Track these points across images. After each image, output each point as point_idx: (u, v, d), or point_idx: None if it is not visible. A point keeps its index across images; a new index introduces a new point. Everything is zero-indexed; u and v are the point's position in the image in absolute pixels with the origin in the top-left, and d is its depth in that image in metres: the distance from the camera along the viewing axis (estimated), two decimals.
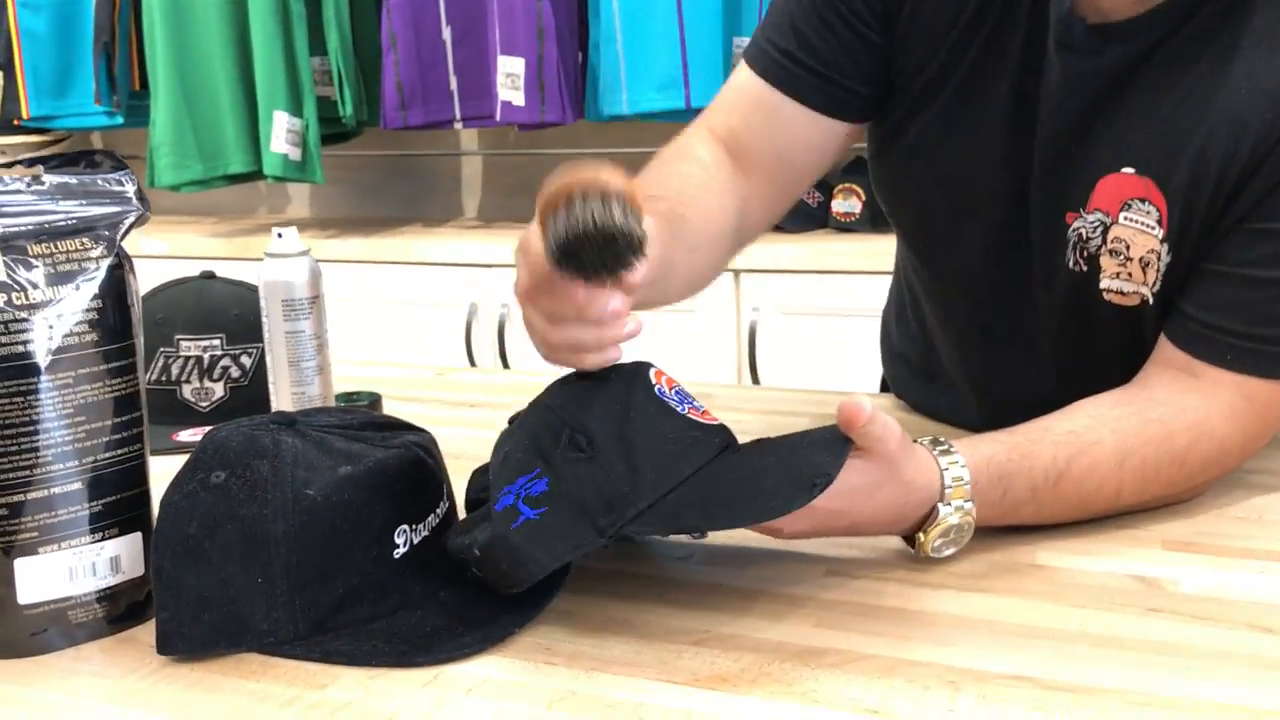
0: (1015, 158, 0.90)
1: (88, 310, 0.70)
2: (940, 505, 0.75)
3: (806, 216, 2.39)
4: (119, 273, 0.72)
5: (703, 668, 0.65)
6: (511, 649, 0.68)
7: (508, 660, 0.67)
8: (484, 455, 1.01)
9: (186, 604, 0.68)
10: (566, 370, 0.75)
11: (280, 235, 0.93)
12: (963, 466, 0.76)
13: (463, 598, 0.73)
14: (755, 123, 0.97)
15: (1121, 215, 0.85)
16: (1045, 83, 0.86)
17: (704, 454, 0.72)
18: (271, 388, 0.96)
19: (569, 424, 0.71)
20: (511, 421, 0.78)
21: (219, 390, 1.14)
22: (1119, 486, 0.81)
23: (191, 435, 1.10)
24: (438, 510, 0.74)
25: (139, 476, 0.73)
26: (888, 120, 0.96)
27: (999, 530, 0.81)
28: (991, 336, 0.99)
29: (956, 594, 0.73)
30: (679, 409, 0.74)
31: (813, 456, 0.71)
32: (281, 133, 2.41)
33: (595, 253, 0.67)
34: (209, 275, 1.21)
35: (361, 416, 0.78)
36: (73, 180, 0.71)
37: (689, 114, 2.22)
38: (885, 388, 1.24)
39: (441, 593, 0.73)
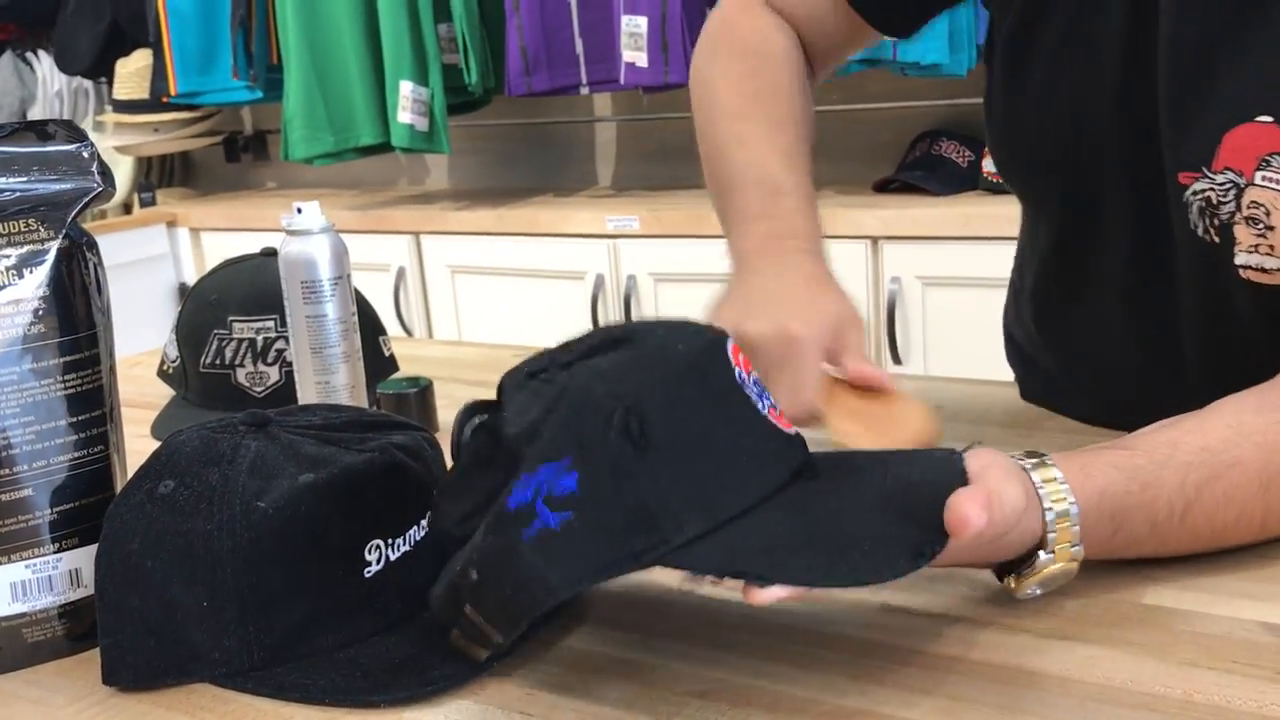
0: (1131, 101, 0.74)
1: (35, 300, 0.63)
2: (1041, 552, 0.61)
3: (954, 177, 2.21)
4: (72, 256, 0.65)
5: None
6: (486, 691, 0.59)
7: (479, 707, 0.58)
8: None
9: (130, 630, 0.60)
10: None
11: (300, 210, 0.85)
12: (1071, 503, 0.60)
13: None
14: (816, 14, 0.93)
15: (1258, 174, 0.69)
16: (1163, 10, 0.71)
17: (778, 476, 0.58)
18: (296, 377, 0.89)
19: (623, 401, 0.54)
20: (503, 389, 0.59)
21: (274, 374, 1.07)
22: (1264, 515, 0.65)
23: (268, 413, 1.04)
24: (423, 522, 0.65)
25: (102, 482, 0.66)
26: (994, 55, 0.84)
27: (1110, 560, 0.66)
28: (1130, 306, 0.84)
29: (1035, 642, 0.60)
30: (760, 407, 0.59)
31: (919, 509, 0.56)
32: (407, 103, 2.37)
33: None
34: (270, 253, 1.15)
35: (350, 415, 0.69)
36: (19, 151, 0.64)
37: None
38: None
39: (425, 614, 0.64)
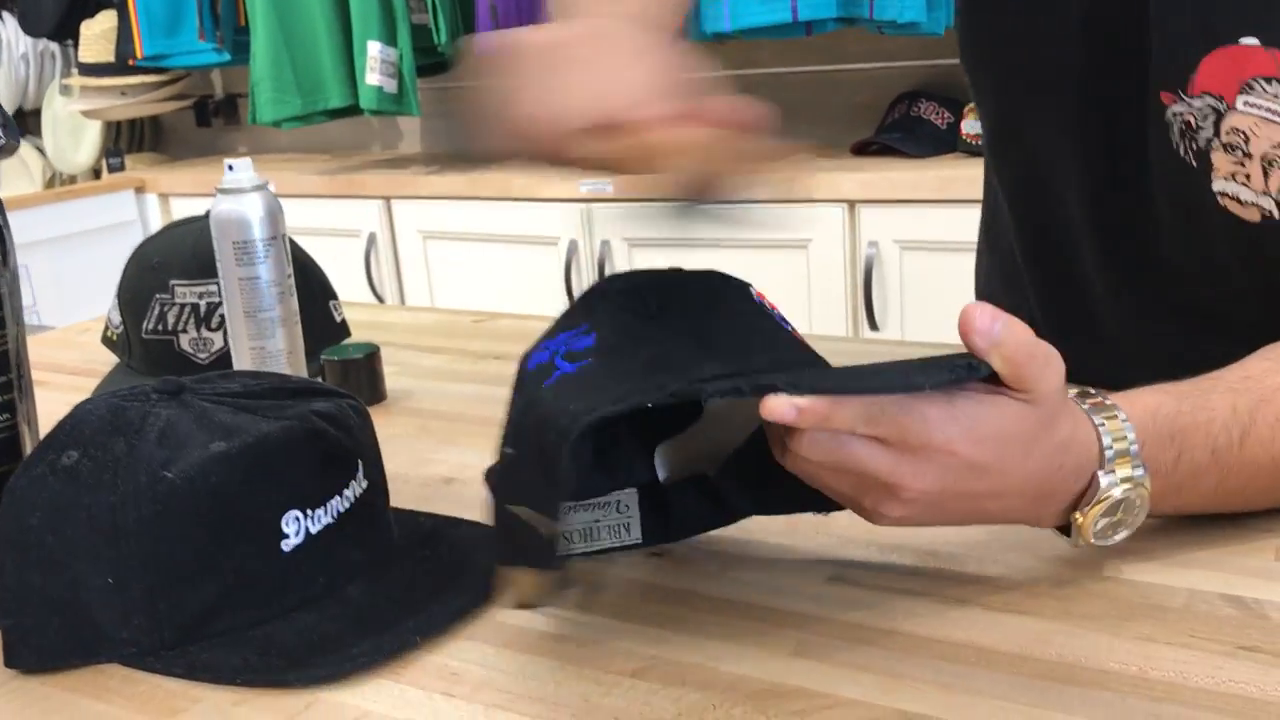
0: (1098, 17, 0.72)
1: None
2: (1100, 474, 0.56)
3: (932, 138, 2.17)
4: None
5: (630, 709, 0.51)
6: (410, 669, 0.56)
7: (398, 687, 0.54)
8: (483, 419, 0.90)
9: (32, 609, 0.57)
10: None
11: (231, 167, 0.81)
12: (1125, 422, 0.56)
13: (375, 595, 0.61)
14: None
15: (1240, 99, 0.65)
16: None
17: (807, 358, 0.57)
18: (230, 342, 0.85)
19: (638, 286, 0.57)
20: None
21: (218, 340, 1.04)
22: None
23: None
24: (345, 492, 0.62)
25: (9, 453, 0.63)
26: None
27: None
28: (1110, 260, 0.81)
29: (987, 616, 0.57)
30: (785, 327, 0.59)
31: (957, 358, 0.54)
32: (375, 64, 2.32)
33: None
34: None
35: (272, 382, 0.65)
36: None
37: (797, 28, 2.03)
38: None
39: (349, 588, 0.61)
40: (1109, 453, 0.56)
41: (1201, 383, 0.61)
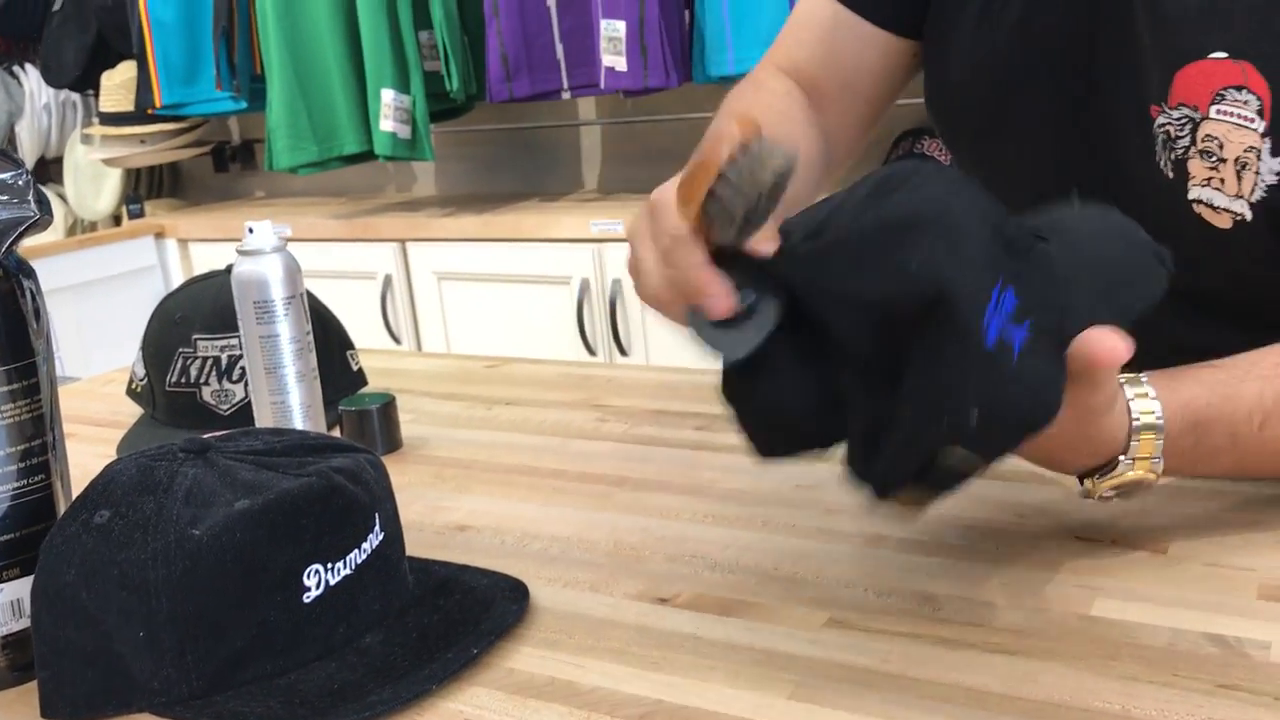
0: (1075, 43, 0.78)
1: None
2: (1122, 458, 0.63)
3: None
4: (9, 285, 0.65)
5: None
6: (427, 714, 0.58)
7: None
8: (495, 465, 0.92)
9: (68, 661, 0.60)
10: None
11: (252, 230, 0.84)
12: (1158, 417, 0.63)
13: (391, 644, 0.63)
14: (818, 52, 0.95)
15: (1213, 108, 0.71)
16: None
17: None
18: (252, 397, 0.88)
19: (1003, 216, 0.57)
20: None
21: (239, 392, 1.07)
22: None
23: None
24: (363, 545, 0.65)
25: (44, 511, 0.66)
26: (931, 24, 0.88)
27: (1054, 566, 0.66)
28: None
29: (979, 657, 0.59)
30: None
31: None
32: (389, 110, 2.37)
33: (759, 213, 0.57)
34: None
35: (293, 439, 0.68)
36: None
37: None
38: None
39: (367, 638, 0.64)
40: (1135, 441, 0.63)
41: (1237, 369, 0.67)
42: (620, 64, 2.14)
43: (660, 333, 2.25)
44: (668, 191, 0.61)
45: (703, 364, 0.64)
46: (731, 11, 2.05)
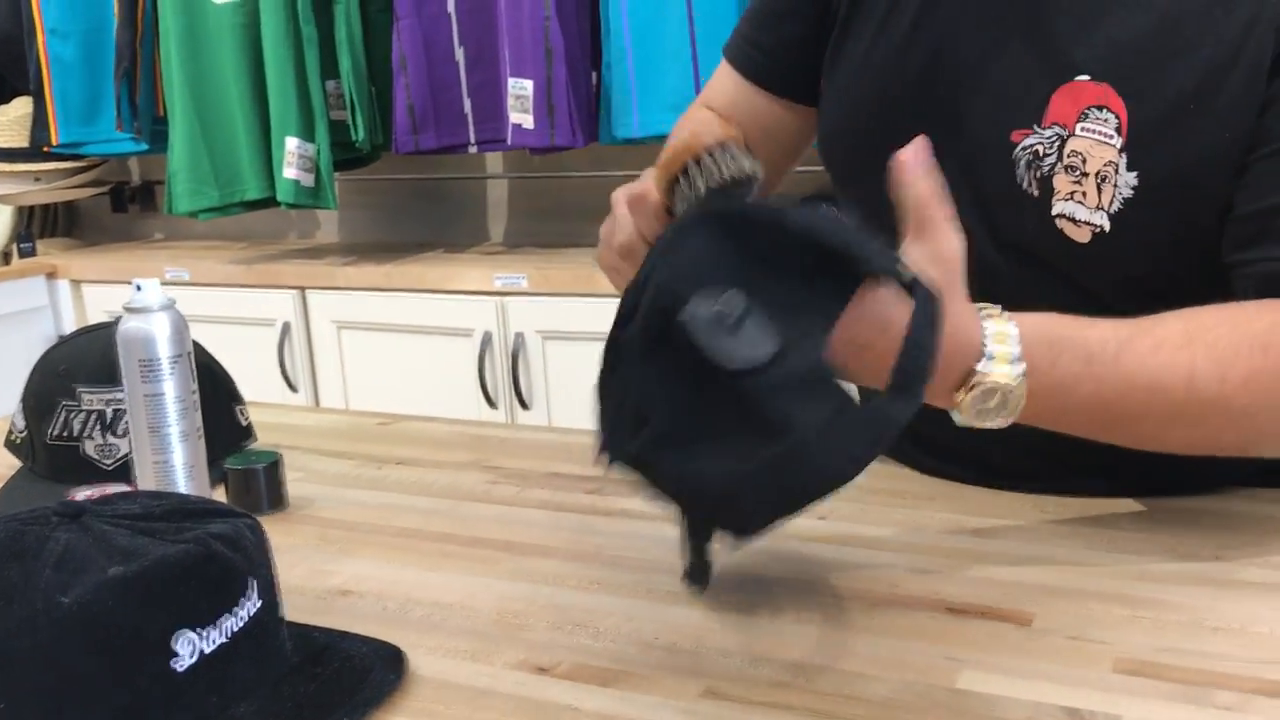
0: (940, 69, 0.85)
1: None
2: (978, 364, 0.65)
3: None
4: None
5: None
6: None
7: None
8: (382, 527, 0.92)
9: None
10: None
11: (139, 287, 0.84)
12: (1008, 321, 0.66)
13: (265, 713, 0.63)
14: (738, 109, 1.00)
15: (1079, 125, 0.78)
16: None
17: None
18: (134, 455, 0.87)
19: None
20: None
21: (123, 446, 1.05)
22: (1190, 367, 0.69)
23: (87, 493, 1.02)
24: (240, 612, 0.64)
25: None
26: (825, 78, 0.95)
27: (923, 636, 0.68)
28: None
29: None
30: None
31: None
32: (293, 159, 2.35)
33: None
34: None
35: (171, 503, 0.68)
36: None
37: None
38: None
39: (241, 707, 0.63)
40: (987, 345, 0.65)
41: (1087, 318, 0.70)
42: (527, 121, 2.16)
43: (562, 388, 2.26)
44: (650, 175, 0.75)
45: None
46: (638, 76, 2.09)
